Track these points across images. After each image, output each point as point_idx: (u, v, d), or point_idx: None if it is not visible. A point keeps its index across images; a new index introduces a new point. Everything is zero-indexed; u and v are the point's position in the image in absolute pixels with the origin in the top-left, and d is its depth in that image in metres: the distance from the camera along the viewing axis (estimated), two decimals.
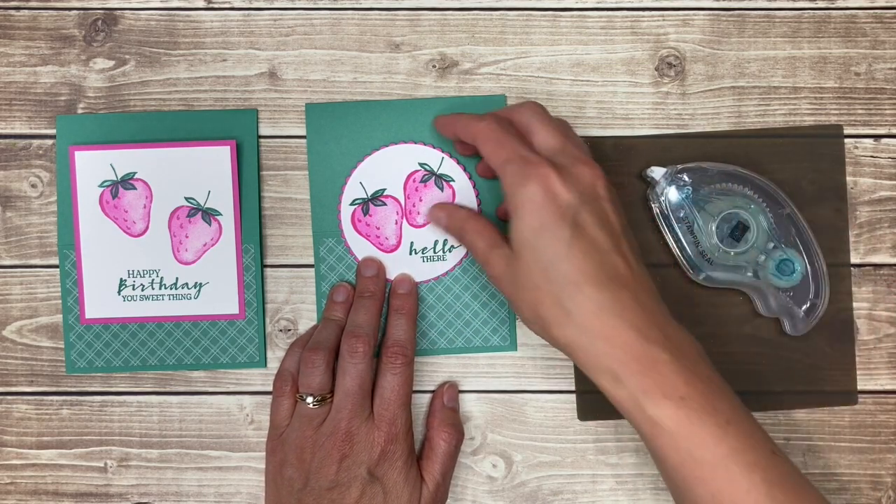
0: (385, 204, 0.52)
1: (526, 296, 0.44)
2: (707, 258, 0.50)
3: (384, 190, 0.52)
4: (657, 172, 0.51)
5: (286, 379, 0.50)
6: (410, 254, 0.52)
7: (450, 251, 0.52)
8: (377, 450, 0.47)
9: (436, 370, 0.53)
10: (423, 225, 0.52)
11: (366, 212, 0.52)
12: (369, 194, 0.52)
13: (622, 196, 0.53)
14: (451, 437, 0.50)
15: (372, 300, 0.51)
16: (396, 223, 0.52)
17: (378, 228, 0.52)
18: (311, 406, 0.48)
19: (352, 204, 0.52)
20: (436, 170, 0.52)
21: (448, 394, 0.52)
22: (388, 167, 0.52)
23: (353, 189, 0.52)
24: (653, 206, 0.51)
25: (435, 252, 0.52)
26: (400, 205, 0.52)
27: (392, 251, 0.52)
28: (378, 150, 0.52)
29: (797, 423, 0.52)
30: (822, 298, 0.51)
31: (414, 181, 0.52)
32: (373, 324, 0.50)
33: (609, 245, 0.43)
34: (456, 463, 0.51)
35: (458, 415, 0.52)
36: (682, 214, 0.50)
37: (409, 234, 0.52)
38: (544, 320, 0.43)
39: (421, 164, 0.52)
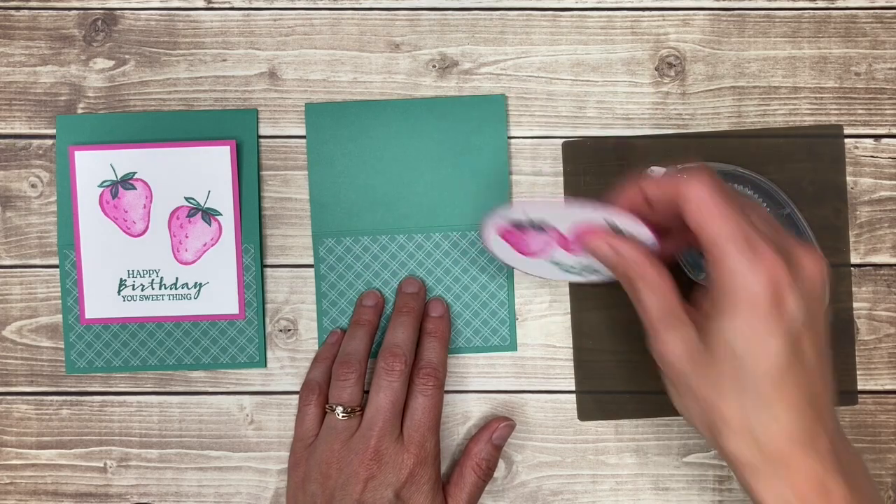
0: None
1: (704, 395, 0.39)
2: None
3: None
4: (657, 172, 0.51)
5: (312, 389, 0.50)
6: None
7: None
8: (405, 472, 0.46)
9: None
10: None
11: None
12: None
13: None
14: (483, 473, 0.50)
15: (410, 317, 0.50)
16: None
17: None
18: (340, 417, 0.47)
19: None
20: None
21: (500, 432, 0.51)
22: None
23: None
24: None
25: None
26: None
27: None
28: None
29: None
30: None
31: None
32: (410, 342, 0.49)
33: (818, 374, 0.39)
34: (481, 497, 0.50)
35: (498, 453, 0.51)
36: None
37: None
38: (717, 429, 0.39)
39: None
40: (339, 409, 0.48)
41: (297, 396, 0.52)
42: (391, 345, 0.49)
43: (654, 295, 0.40)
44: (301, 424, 0.50)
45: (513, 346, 0.52)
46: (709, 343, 0.39)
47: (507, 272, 0.52)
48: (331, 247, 0.52)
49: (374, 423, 0.47)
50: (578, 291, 0.53)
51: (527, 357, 0.53)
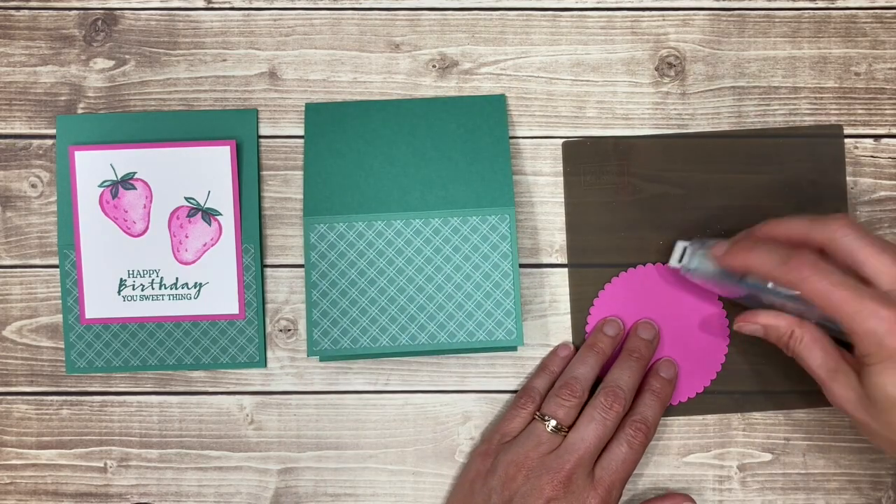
0: None
1: (887, 437, 0.43)
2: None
3: None
4: (681, 248, 0.50)
5: (532, 396, 0.50)
6: None
7: None
8: None
9: (436, 370, 0.53)
10: None
11: None
12: None
13: (623, 196, 0.53)
14: None
15: (639, 364, 0.50)
16: None
17: None
18: (549, 430, 0.48)
19: None
20: None
21: None
22: None
23: None
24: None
25: None
26: None
27: None
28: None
29: (797, 423, 0.52)
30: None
31: None
32: (633, 388, 0.49)
33: None
34: None
35: None
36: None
37: None
38: None
39: None
40: (553, 423, 0.48)
41: (297, 396, 0.52)
42: (615, 385, 0.48)
43: (814, 352, 0.45)
44: (508, 422, 0.50)
45: (519, 340, 0.50)
46: (870, 392, 0.42)
47: (512, 260, 0.51)
48: (323, 233, 0.52)
49: (575, 449, 0.47)
50: (578, 290, 0.53)
51: (527, 357, 0.53)
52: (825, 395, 0.45)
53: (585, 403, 0.49)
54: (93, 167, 0.52)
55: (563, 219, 0.53)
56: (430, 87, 0.53)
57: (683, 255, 0.50)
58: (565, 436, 0.48)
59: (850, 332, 0.42)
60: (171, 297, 0.52)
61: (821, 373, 0.45)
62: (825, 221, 0.44)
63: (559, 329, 0.53)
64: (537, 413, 0.49)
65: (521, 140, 0.53)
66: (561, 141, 0.53)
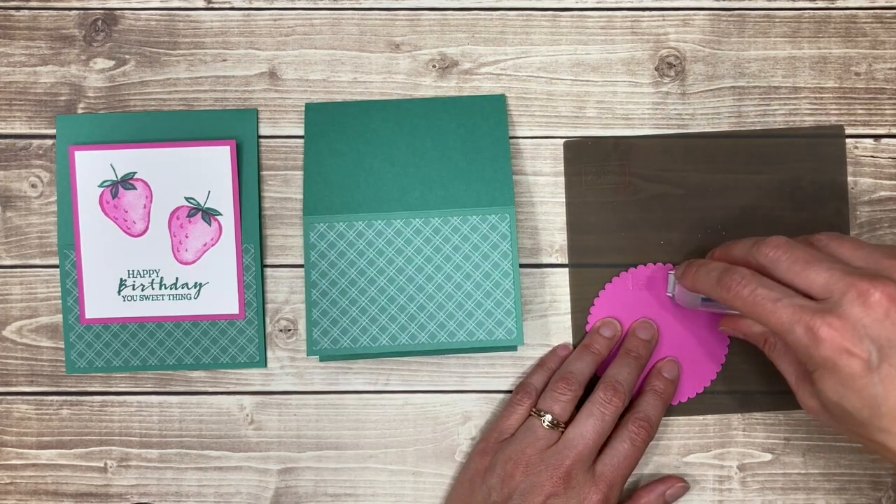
0: None
1: (852, 436, 0.43)
2: None
3: None
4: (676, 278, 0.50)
5: (529, 392, 0.50)
6: None
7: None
8: None
9: (436, 370, 0.53)
10: None
11: None
12: None
13: (623, 196, 0.53)
14: None
15: (638, 362, 0.50)
16: None
17: None
18: (545, 425, 0.48)
19: None
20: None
21: (675, 490, 0.51)
22: None
23: None
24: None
25: None
26: None
27: None
28: None
29: (797, 423, 0.52)
30: None
31: None
32: (632, 385, 0.49)
33: None
34: None
35: None
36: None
37: None
38: (879, 444, 0.41)
39: None
40: (549, 418, 0.48)
41: (297, 396, 0.52)
42: (614, 380, 0.48)
43: (785, 360, 0.45)
44: (505, 419, 0.50)
45: (519, 340, 0.50)
46: (820, 399, 0.42)
47: (512, 259, 0.51)
48: (322, 232, 0.51)
49: (574, 445, 0.47)
50: (578, 290, 0.53)
51: (527, 356, 0.53)
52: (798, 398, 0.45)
53: (582, 401, 0.49)
54: (93, 167, 0.52)
55: (564, 219, 0.53)
56: (430, 87, 0.53)
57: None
58: (563, 431, 0.48)
59: (786, 341, 0.42)
60: (171, 297, 0.52)
61: (791, 380, 0.45)
62: (759, 245, 0.44)
63: (559, 329, 0.53)
64: (534, 409, 0.49)
65: (521, 140, 0.53)
66: (561, 141, 0.53)
